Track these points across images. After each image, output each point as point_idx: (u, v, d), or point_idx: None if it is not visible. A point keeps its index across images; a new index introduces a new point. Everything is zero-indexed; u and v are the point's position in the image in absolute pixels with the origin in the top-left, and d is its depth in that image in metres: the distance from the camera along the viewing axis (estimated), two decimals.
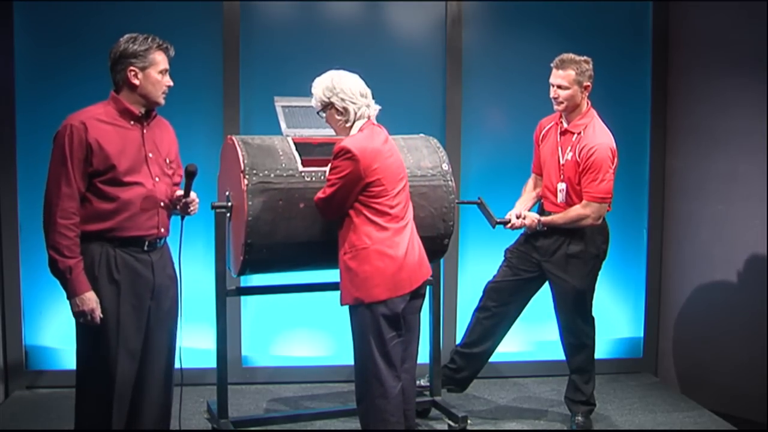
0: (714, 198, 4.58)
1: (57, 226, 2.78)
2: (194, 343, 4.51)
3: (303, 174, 3.45)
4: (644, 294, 4.94)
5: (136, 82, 2.91)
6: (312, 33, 4.57)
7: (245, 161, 3.39)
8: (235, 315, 4.46)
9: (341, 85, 3.19)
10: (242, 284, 4.22)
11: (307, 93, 3.84)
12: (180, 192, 3.07)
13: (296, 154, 3.51)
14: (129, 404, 3.05)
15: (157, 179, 2.97)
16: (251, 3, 4.50)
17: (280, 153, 3.48)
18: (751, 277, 4.41)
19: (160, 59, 2.95)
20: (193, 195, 3.09)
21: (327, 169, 3.28)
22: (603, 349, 4.61)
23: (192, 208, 3.11)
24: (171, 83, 3.02)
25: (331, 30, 4.60)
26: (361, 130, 3.20)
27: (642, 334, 4.96)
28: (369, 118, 3.24)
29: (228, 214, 3.57)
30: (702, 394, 4.55)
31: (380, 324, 3.13)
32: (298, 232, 3.41)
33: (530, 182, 4.10)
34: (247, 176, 3.36)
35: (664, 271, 4.90)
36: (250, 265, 3.47)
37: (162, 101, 3.00)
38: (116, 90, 2.95)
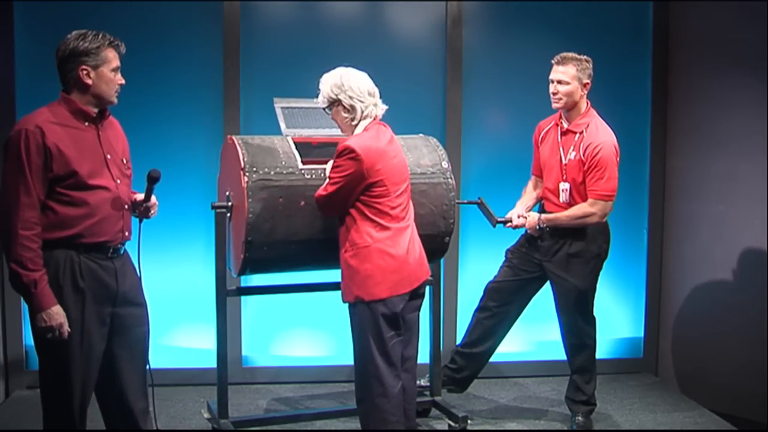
0: (714, 198, 4.58)
1: (18, 238, 2.61)
2: (194, 343, 4.51)
3: (303, 172, 3.45)
4: (644, 294, 4.94)
5: (89, 81, 2.74)
6: (312, 33, 4.57)
7: (245, 159, 3.39)
8: (235, 315, 4.45)
9: (350, 82, 3.17)
10: (242, 284, 4.22)
11: (308, 93, 3.85)
12: (140, 196, 2.96)
13: (296, 152, 3.51)
14: (107, 413, 2.99)
15: (118, 181, 2.84)
16: (251, 3, 4.50)
17: (280, 152, 3.48)
18: (751, 277, 4.41)
19: (112, 56, 2.78)
20: (153, 199, 2.99)
21: (328, 166, 3.27)
22: (603, 349, 4.61)
23: (152, 212, 3.02)
24: (123, 81, 2.83)
25: (332, 30, 4.60)
26: (366, 129, 3.18)
27: (642, 334, 4.96)
28: (375, 117, 3.22)
29: (228, 214, 3.57)
30: (702, 394, 4.55)
31: (379, 323, 3.12)
32: (299, 229, 3.40)
33: (530, 184, 4.10)
34: (247, 174, 3.36)
35: (664, 271, 4.90)
36: (251, 264, 3.47)
37: (115, 100, 2.83)
38: (66, 90, 2.79)
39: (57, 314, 2.68)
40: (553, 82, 3.79)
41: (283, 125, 3.69)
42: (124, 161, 2.92)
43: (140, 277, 3.00)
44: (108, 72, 2.78)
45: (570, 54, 3.77)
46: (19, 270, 2.64)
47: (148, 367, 3.02)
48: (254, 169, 3.38)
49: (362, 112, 3.18)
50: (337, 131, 3.66)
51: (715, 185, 4.58)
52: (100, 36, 2.77)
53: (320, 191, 3.19)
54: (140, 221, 3.01)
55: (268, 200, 3.35)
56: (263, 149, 3.47)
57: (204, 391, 4.29)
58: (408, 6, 4.64)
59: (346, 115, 3.20)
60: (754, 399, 4.34)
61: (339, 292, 3.27)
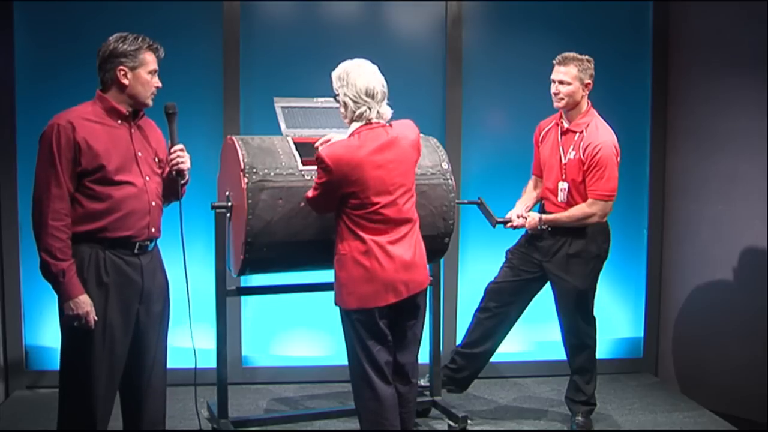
0: (714, 198, 4.58)
1: (48, 228, 2.71)
2: (194, 343, 4.51)
3: (303, 172, 3.45)
4: (644, 294, 4.94)
5: (126, 81, 2.85)
6: (312, 33, 4.57)
7: (245, 160, 3.39)
8: (235, 315, 4.46)
9: (349, 78, 3.06)
10: (242, 284, 4.22)
11: (308, 93, 3.86)
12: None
13: (296, 153, 3.51)
14: (124, 409, 3.04)
15: (147, 178, 2.91)
16: (251, 3, 4.50)
17: (280, 152, 3.48)
18: (751, 278, 4.41)
19: (150, 59, 2.90)
20: (180, 145, 2.99)
21: None
22: (603, 349, 4.61)
23: (183, 161, 2.97)
24: (160, 84, 2.95)
25: (331, 30, 4.60)
26: (352, 134, 3.06)
27: (642, 334, 4.96)
28: (369, 121, 3.06)
29: (228, 214, 3.57)
30: (702, 394, 4.55)
31: (358, 330, 3.11)
32: (298, 230, 3.40)
33: (530, 183, 4.10)
34: (247, 175, 3.36)
35: (664, 271, 4.90)
36: (251, 265, 3.47)
37: (150, 102, 2.94)
38: (103, 89, 2.89)
39: (84, 303, 2.76)
40: (554, 82, 3.78)
41: (283, 125, 3.69)
42: (157, 160, 2.98)
43: (175, 273, 3.11)
44: (144, 74, 2.88)
45: (571, 54, 3.77)
46: (48, 259, 2.73)
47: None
48: (254, 170, 3.38)
49: (354, 112, 3.06)
50: (337, 131, 3.66)
51: (715, 185, 4.58)
52: (140, 39, 2.89)
53: (307, 193, 3.20)
54: (180, 191, 3.04)
55: (267, 201, 3.35)
56: (263, 150, 3.47)
57: (204, 391, 4.28)
58: (408, 6, 4.64)
59: (342, 110, 3.13)
60: (754, 399, 4.34)
61: None
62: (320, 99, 3.81)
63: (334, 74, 3.14)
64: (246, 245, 3.37)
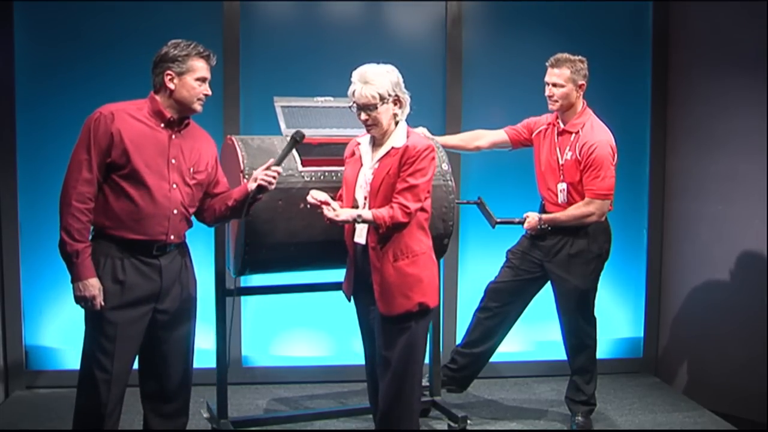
0: (714, 198, 4.58)
1: (71, 208, 2.78)
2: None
3: (302, 174, 3.45)
4: (644, 294, 4.94)
5: (172, 86, 2.90)
6: (312, 33, 4.57)
7: (245, 162, 3.39)
8: (236, 315, 4.46)
9: (401, 81, 3.08)
10: (242, 284, 4.22)
11: (307, 93, 3.85)
12: (272, 160, 3.02)
13: (296, 154, 3.51)
14: (147, 408, 3.09)
15: (174, 186, 2.93)
16: (251, 3, 4.50)
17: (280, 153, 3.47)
18: (751, 277, 4.41)
19: (200, 66, 2.94)
20: (279, 168, 3.00)
21: (395, 173, 3.01)
22: (603, 349, 4.60)
23: (271, 182, 2.98)
24: (209, 92, 2.99)
25: (331, 30, 4.60)
26: (408, 132, 3.10)
27: (642, 334, 4.96)
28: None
29: None
30: (702, 394, 4.55)
31: (428, 326, 3.12)
32: (298, 232, 3.40)
33: (484, 132, 4.11)
34: (246, 177, 3.36)
35: (664, 271, 4.91)
36: (250, 265, 3.47)
37: (198, 108, 2.98)
38: (155, 91, 2.95)
39: (92, 286, 2.81)
40: (548, 84, 3.78)
41: (283, 125, 3.68)
42: (191, 170, 3.00)
43: (194, 277, 3.11)
44: (191, 80, 2.92)
45: (564, 55, 3.76)
46: (66, 238, 2.79)
47: (188, 365, 3.12)
48: (254, 171, 3.37)
49: (405, 113, 3.12)
50: (337, 131, 3.66)
51: (714, 185, 4.58)
52: (191, 46, 2.94)
53: (411, 207, 2.96)
54: (253, 200, 3.03)
55: (267, 203, 3.34)
56: (263, 151, 3.47)
57: (204, 391, 4.29)
58: (408, 6, 4.64)
59: (398, 111, 3.08)
60: (754, 399, 4.34)
61: (338, 292, 3.27)
62: (320, 98, 3.81)
63: (389, 82, 3.03)
64: (245, 246, 3.37)
